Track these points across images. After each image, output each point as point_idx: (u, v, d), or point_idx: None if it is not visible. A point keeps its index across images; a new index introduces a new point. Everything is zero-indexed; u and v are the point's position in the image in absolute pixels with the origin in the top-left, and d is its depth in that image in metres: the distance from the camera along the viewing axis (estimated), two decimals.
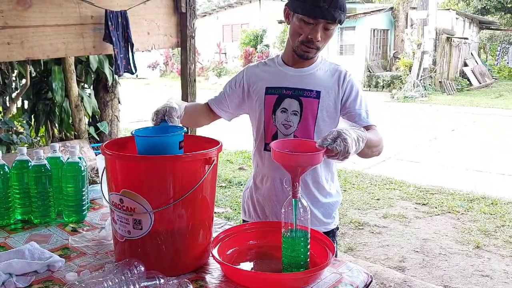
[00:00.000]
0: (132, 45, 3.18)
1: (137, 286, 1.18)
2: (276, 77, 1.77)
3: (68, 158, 1.75)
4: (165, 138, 1.46)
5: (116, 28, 3.02)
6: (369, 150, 1.56)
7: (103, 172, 1.45)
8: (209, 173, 1.36)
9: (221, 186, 5.71)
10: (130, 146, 1.52)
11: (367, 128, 1.63)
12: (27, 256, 1.39)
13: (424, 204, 5.15)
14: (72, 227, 1.73)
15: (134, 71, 3.30)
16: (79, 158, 1.78)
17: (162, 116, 1.53)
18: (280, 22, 19.04)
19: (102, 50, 3.16)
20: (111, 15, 2.96)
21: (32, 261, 1.36)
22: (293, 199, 1.32)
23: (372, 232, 4.36)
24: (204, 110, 1.91)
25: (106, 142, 1.43)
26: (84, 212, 1.81)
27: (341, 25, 1.65)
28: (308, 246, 1.35)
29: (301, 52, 1.69)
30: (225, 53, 23.81)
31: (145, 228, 1.32)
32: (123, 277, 1.20)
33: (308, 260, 1.35)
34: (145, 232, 1.32)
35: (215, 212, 1.98)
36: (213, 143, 1.48)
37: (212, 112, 1.91)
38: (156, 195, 1.31)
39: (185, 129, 1.50)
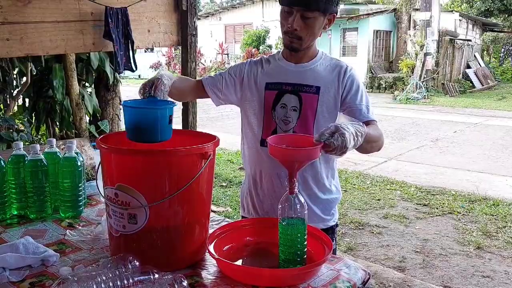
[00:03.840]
0: (133, 43, 3.16)
1: (130, 280, 1.17)
2: (276, 72, 1.77)
3: (65, 153, 1.74)
4: (155, 109, 1.42)
5: (116, 25, 3.00)
6: (368, 145, 1.54)
7: (98, 166, 1.44)
8: (206, 168, 1.35)
9: (222, 185, 5.70)
10: (125, 141, 1.50)
11: (367, 123, 1.61)
12: (21, 251, 1.37)
13: (425, 205, 5.13)
14: (68, 223, 1.72)
15: (134, 68, 3.28)
16: (76, 153, 1.77)
17: (150, 90, 1.51)
18: None
19: (102, 47, 3.14)
20: (111, 12, 2.94)
21: (26, 255, 1.35)
22: (290, 195, 1.31)
23: (372, 232, 4.33)
24: (193, 87, 1.85)
25: (102, 136, 1.42)
26: (81, 208, 1.80)
27: (322, 12, 1.60)
28: (305, 242, 1.33)
29: (286, 43, 1.69)
30: (227, 54, 23.81)
31: (140, 223, 1.30)
32: (117, 272, 1.19)
33: (305, 256, 1.33)
34: (140, 227, 1.31)
35: (215, 211, 1.96)
36: (209, 138, 1.47)
37: (202, 91, 1.83)
38: (151, 190, 1.30)
39: (176, 103, 1.47)
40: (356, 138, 1.34)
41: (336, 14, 1.68)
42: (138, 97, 1.56)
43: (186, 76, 3.98)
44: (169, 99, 1.57)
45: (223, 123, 10.37)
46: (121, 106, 5.24)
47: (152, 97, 1.50)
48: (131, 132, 1.43)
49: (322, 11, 1.60)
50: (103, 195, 1.39)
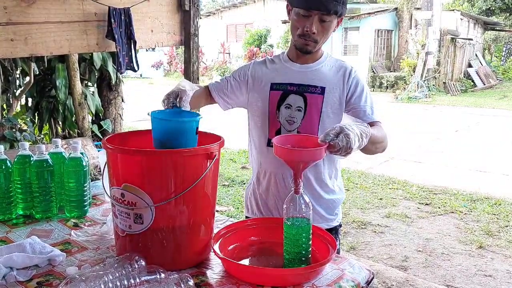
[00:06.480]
0: (135, 43, 3.18)
1: (137, 280, 1.18)
2: (281, 73, 1.78)
3: (70, 154, 1.75)
4: (185, 122, 1.47)
5: (119, 25, 3.02)
6: (373, 146, 1.55)
7: (104, 166, 1.45)
8: (211, 169, 1.36)
9: (224, 185, 5.71)
10: (131, 141, 1.51)
11: (372, 124, 1.62)
12: (28, 250, 1.39)
13: (427, 204, 5.13)
14: (74, 222, 1.73)
15: (136, 68, 3.30)
16: (81, 153, 1.78)
17: (174, 100, 1.53)
18: (284, 22, 19.03)
19: (106, 47, 3.16)
20: (114, 12, 2.96)
21: (33, 255, 1.36)
22: (295, 195, 1.31)
23: (375, 232, 4.34)
24: (203, 93, 1.88)
25: (108, 137, 1.43)
26: (86, 208, 1.81)
27: (338, 16, 1.64)
28: (310, 242, 1.34)
29: (300, 45, 1.70)
30: (229, 53, 23.80)
31: (146, 222, 1.31)
32: (123, 271, 1.20)
33: (309, 256, 1.34)
34: (146, 227, 1.32)
35: (217, 211, 1.97)
36: (215, 138, 1.48)
37: (209, 97, 1.88)
38: (157, 190, 1.30)
39: (201, 115, 1.50)
40: (360, 139, 1.35)
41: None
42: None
43: (188, 75, 4.00)
44: (195, 111, 1.60)
45: (226, 121, 10.36)
46: (123, 106, 5.26)
47: (177, 108, 1.53)
48: (159, 142, 1.46)
49: (338, 15, 1.63)
50: (109, 195, 1.40)
